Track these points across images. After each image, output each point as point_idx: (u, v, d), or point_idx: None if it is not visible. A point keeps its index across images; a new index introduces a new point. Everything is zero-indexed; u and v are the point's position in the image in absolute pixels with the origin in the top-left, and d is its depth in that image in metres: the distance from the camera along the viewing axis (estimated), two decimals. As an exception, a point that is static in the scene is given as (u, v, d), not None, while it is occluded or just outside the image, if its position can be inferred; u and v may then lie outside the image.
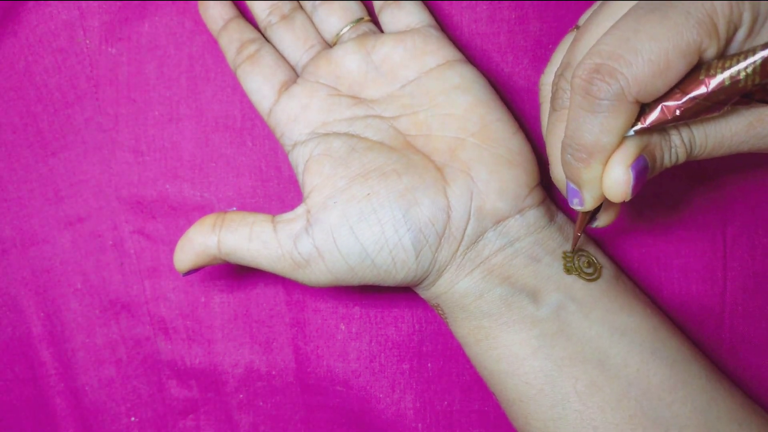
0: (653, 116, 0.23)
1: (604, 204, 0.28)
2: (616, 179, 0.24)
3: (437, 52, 0.32)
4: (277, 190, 0.37)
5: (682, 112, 0.23)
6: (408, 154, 0.31)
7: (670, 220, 0.35)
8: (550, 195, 0.35)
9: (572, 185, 0.26)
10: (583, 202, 0.26)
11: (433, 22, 0.33)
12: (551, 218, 0.31)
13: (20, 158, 0.38)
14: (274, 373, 0.37)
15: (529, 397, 0.29)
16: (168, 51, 0.37)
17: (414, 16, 0.33)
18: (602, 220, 0.29)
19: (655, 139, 0.24)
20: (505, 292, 0.29)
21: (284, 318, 0.37)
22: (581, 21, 0.28)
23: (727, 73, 0.22)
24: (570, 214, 0.34)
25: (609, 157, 0.24)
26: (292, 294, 0.37)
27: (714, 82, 0.22)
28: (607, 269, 0.31)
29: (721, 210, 0.35)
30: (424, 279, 0.30)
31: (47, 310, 0.38)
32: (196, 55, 0.37)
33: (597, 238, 0.34)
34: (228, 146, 0.37)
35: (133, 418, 0.38)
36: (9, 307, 0.38)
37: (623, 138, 0.23)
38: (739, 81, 0.22)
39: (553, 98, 0.26)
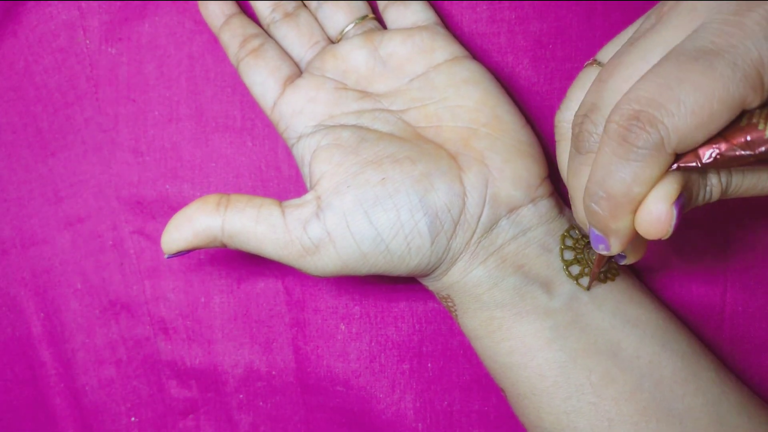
0: (689, 161, 0.22)
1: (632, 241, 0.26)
2: (658, 217, 0.22)
3: (445, 48, 0.32)
4: (277, 190, 0.37)
5: (720, 160, 0.21)
6: (420, 144, 0.30)
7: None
8: (557, 189, 0.35)
9: (597, 232, 0.24)
10: (610, 247, 0.24)
11: (438, 20, 0.34)
12: (560, 210, 0.31)
13: (20, 158, 0.38)
14: (274, 373, 0.37)
15: (542, 390, 0.29)
16: (168, 51, 0.37)
17: (420, 14, 0.33)
18: (631, 258, 0.27)
19: (694, 176, 0.23)
20: (518, 282, 0.29)
21: (284, 318, 0.37)
22: (600, 56, 0.27)
23: None
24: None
25: (637, 206, 0.23)
26: (292, 294, 0.37)
27: (758, 137, 0.20)
28: (614, 263, 0.31)
29: (721, 209, 0.35)
30: (436, 268, 0.30)
31: (47, 310, 0.38)
32: (196, 55, 0.37)
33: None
34: (228, 146, 0.37)
35: (133, 418, 0.38)
36: (9, 307, 0.38)
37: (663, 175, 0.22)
38: None
39: (577, 140, 0.25)
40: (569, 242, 0.30)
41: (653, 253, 0.35)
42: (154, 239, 0.37)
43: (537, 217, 0.30)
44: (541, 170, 0.31)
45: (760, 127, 0.20)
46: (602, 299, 0.29)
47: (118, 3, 0.37)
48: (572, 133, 0.25)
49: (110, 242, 0.38)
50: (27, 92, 0.38)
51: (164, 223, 0.37)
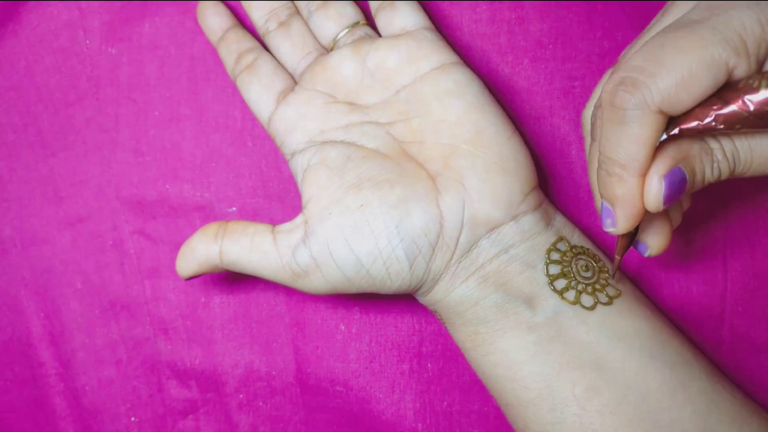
0: (686, 124, 0.23)
1: (653, 231, 0.28)
2: (649, 190, 0.24)
3: (431, 56, 0.32)
4: (277, 190, 0.37)
5: (716, 121, 0.23)
6: (402, 163, 0.31)
7: (670, 221, 0.35)
8: (549, 197, 0.35)
9: (606, 205, 0.26)
10: (616, 222, 0.26)
11: (428, 24, 0.33)
12: (548, 222, 0.31)
13: (20, 158, 0.38)
14: (274, 373, 0.37)
15: (528, 402, 0.29)
16: (168, 51, 0.37)
17: (409, 19, 0.33)
18: (654, 248, 0.28)
19: (695, 151, 0.25)
20: (500, 299, 0.29)
21: (284, 318, 0.37)
22: (621, 58, 0.28)
23: (766, 91, 0.21)
24: (569, 214, 0.34)
25: (643, 168, 0.24)
26: (292, 294, 0.37)
27: (754, 96, 0.22)
28: (605, 272, 0.31)
29: (721, 210, 0.35)
30: (420, 287, 0.31)
31: (47, 310, 0.38)
32: (197, 55, 0.37)
33: (599, 240, 0.34)
34: (228, 146, 0.37)
35: (133, 418, 0.38)
36: (9, 307, 0.38)
37: (656, 149, 0.24)
38: None
39: (592, 129, 0.27)
40: (555, 256, 0.30)
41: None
42: (154, 239, 0.37)
43: (519, 234, 0.30)
44: (524, 185, 0.30)
45: (755, 85, 0.22)
46: (588, 313, 0.29)
47: (119, 3, 0.37)
48: (591, 125, 0.27)
49: (110, 242, 0.38)
50: (28, 92, 0.38)
51: (164, 223, 0.37)
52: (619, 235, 0.28)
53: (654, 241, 0.28)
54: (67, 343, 0.38)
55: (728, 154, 0.25)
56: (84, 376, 0.38)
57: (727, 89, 0.22)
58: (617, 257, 0.29)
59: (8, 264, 0.38)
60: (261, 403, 0.37)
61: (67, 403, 0.38)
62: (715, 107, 0.23)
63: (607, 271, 0.31)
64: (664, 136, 0.24)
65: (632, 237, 0.28)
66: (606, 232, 0.27)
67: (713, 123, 0.23)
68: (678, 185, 0.24)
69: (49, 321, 0.38)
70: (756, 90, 0.22)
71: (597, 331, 0.29)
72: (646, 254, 0.29)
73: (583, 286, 0.30)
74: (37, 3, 0.37)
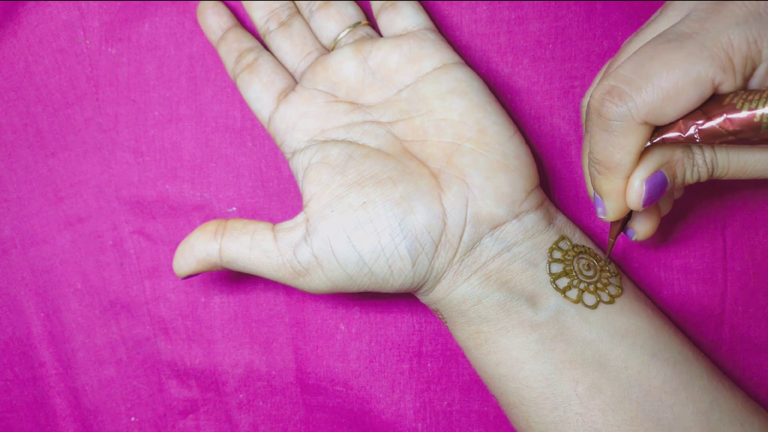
0: (669, 134, 0.24)
1: (641, 218, 0.30)
2: (631, 191, 0.26)
3: (433, 55, 0.32)
4: (277, 190, 0.37)
5: (697, 134, 0.23)
6: (404, 161, 0.31)
7: (670, 221, 0.35)
8: (550, 196, 0.35)
9: (598, 195, 0.27)
10: (606, 211, 0.27)
11: (429, 24, 0.33)
12: (550, 221, 0.31)
13: (20, 158, 0.38)
14: (273, 373, 0.37)
15: (530, 401, 0.29)
16: (168, 51, 0.37)
17: (410, 19, 0.33)
18: (640, 234, 0.30)
19: (678, 156, 0.26)
20: (503, 298, 0.29)
21: (284, 318, 0.37)
22: (619, 53, 0.29)
23: (747, 113, 0.22)
24: (569, 213, 0.34)
25: (628, 171, 0.25)
26: (291, 294, 0.37)
27: (735, 116, 0.23)
28: (606, 272, 0.31)
29: (720, 210, 0.35)
30: (422, 285, 0.30)
31: (47, 310, 0.38)
32: (196, 55, 0.37)
33: (599, 240, 0.34)
34: (228, 146, 0.37)
35: (133, 418, 0.38)
36: (9, 307, 0.38)
37: (642, 152, 0.25)
38: (759, 123, 0.22)
39: (586, 120, 0.28)
40: (557, 254, 0.30)
41: (653, 252, 0.35)
42: (154, 239, 0.37)
43: (522, 232, 0.30)
44: (527, 183, 0.30)
45: (738, 106, 0.22)
46: (590, 311, 0.29)
47: (118, 3, 0.37)
48: (585, 116, 0.28)
49: (110, 242, 0.38)
50: (27, 92, 0.38)
51: (164, 224, 0.37)
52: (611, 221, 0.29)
53: (641, 227, 0.30)
54: (67, 343, 0.38)
55: (707, 161, 0.26)
56: (84, 376, 0.38)
57: (711, 103, 0.23)
58: (611, 240, 0.30)
59: (8, 264, 0.38)
60: (261, 403, 0.37)
61: (67, 403, 0.38)
62: (698, 122, 0.23)
63: (609, 270, 0.31)
64: (648, 143, 0.24)
65: (625, 221, 0.30)
66: (606, 232, 0.28)
67: (694, 136, 0.23)
68: (659, 188, 0.26)
69: (49, 321, 0.38)
70: (738, 110, 0.22)
71: (599, 329, 0.29)
72: (633, 239, 0.30)
73: (585, 284, 0.30)
74: (36, 3, 0.37)
